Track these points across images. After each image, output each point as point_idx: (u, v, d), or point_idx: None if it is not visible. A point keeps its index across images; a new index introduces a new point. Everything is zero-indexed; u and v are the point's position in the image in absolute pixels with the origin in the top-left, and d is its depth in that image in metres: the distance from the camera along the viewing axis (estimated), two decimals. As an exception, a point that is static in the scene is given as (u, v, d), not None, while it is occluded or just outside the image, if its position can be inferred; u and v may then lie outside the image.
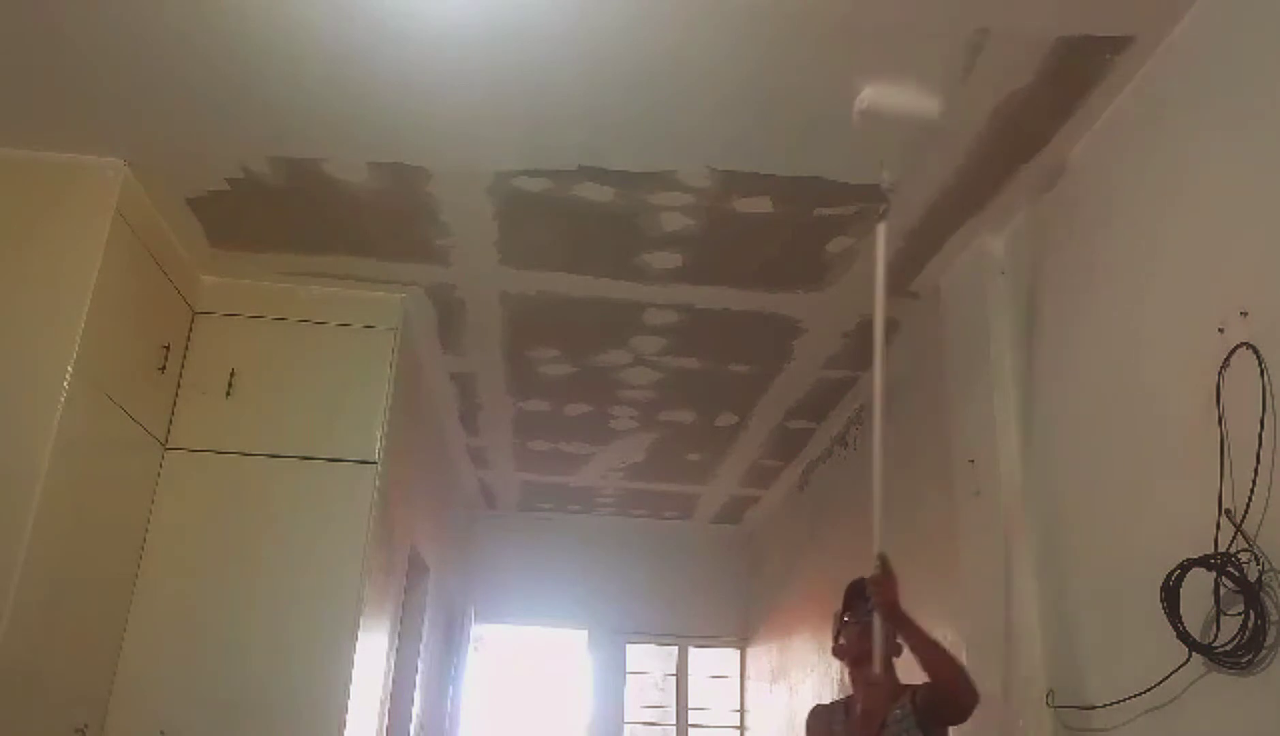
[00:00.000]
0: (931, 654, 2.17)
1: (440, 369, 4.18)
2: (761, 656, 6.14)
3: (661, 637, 6.62)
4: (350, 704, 3.00)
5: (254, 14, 2.19)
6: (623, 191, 2.82)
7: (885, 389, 2.44)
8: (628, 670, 6.56)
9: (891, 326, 3.60)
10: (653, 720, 6.64)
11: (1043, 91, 2.32)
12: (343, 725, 2.97)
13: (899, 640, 2.31)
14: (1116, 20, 2.10)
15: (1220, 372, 1.84)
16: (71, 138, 2.70)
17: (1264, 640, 1.70)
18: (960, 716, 2.17)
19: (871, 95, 2.28)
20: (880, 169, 2.45)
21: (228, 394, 3.26)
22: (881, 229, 2.47)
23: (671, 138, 2.57)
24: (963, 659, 2.76)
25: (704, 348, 3.86)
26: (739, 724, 6.46)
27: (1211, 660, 1.81)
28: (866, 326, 3.60)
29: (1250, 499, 1.74)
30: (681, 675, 6.63)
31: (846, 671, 2.55)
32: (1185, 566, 1.85)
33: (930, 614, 2.68)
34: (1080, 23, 2.11)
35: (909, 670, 2.29)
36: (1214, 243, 1.93)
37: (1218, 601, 1.79)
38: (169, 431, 3.20)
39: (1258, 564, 1.73)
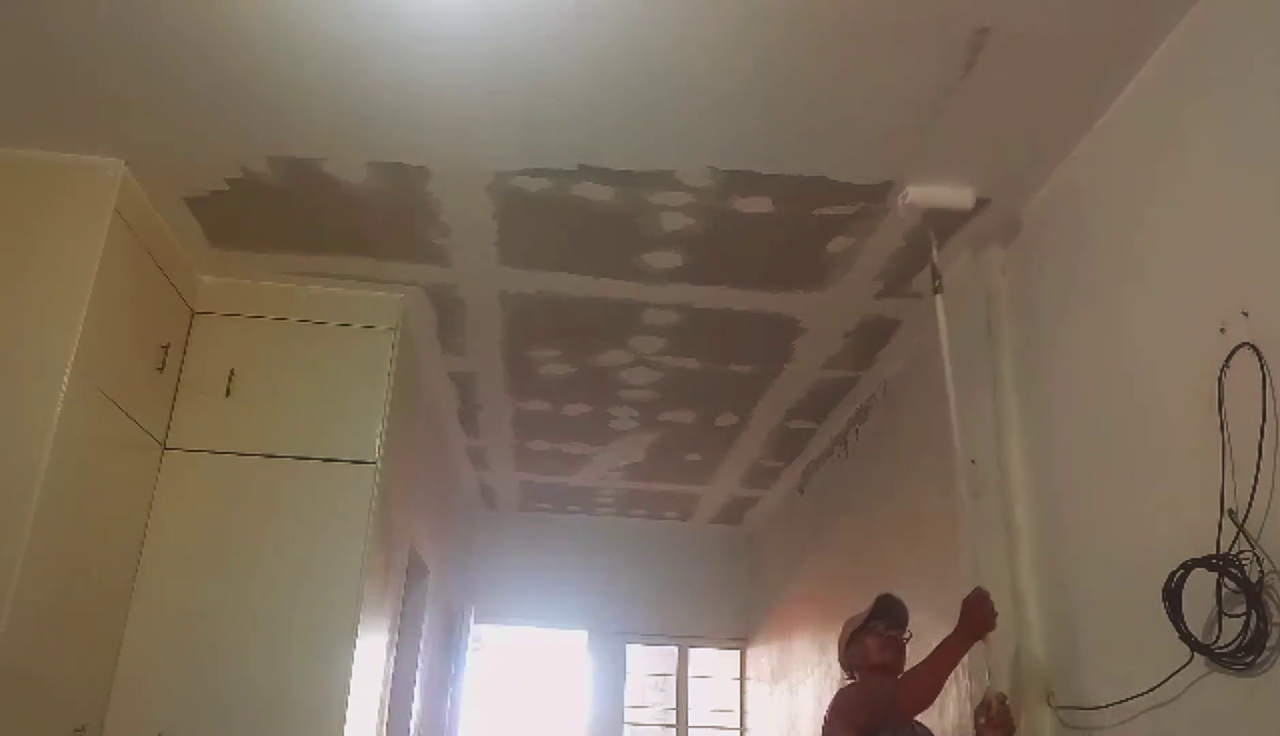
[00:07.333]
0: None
1: (440, 369, 4.18)
2: (762, 657, 6.14)
3: (661, 638, 6.62)
4: (350, 704, 2.99)
5: (253, 13, 2.19)
6: (623, 191, 2.82)
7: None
8: (628, 670, 6.56)
9: (891, 326, 3.60)
10: (652, 721, 6.63)
11: (1042, 91, 2.32)
12: (342, 726, 2.96)
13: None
14: (1116, 20, 2.09)
15: (1221, 372, 1.84)
16: (71, 137, 2.70)
17: (1266, 641, 1.70)
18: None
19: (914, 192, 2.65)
20: (932, 252, 2.77)
21: (227, 394, 3.25)
22: (939, 300, 2.75)
23: (671, 138, 2.57)
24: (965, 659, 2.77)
25: (704, 348, 3.85)
26: (739, 725, 6.46)
27: (1213, 661, 1.80)
28: (866, 326, 3.61)
29: (1252, 499, 1.74)
30: (681, 676, 6.62)
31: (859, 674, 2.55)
32: (1187, 567, 1.85)
33: (932, 614, 2.68)
34: (1080, 23, 2.11)
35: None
36: (1215, 242, 1.93)
37: (1219, 602, 1.79)
38: (168, 431, 3.20)
39: (1259, 565, 1.72)
